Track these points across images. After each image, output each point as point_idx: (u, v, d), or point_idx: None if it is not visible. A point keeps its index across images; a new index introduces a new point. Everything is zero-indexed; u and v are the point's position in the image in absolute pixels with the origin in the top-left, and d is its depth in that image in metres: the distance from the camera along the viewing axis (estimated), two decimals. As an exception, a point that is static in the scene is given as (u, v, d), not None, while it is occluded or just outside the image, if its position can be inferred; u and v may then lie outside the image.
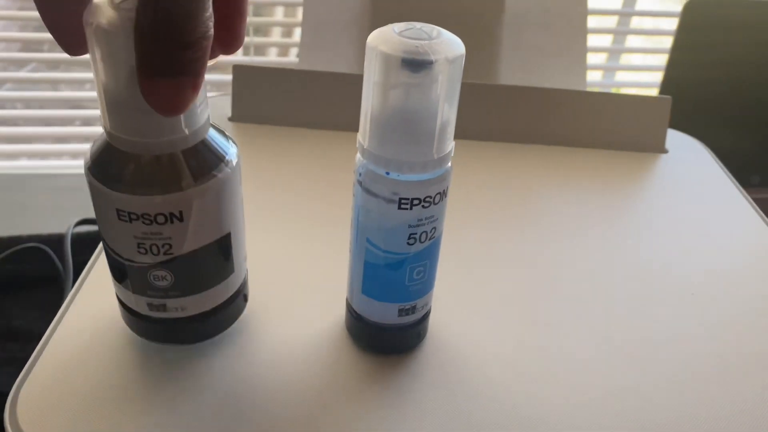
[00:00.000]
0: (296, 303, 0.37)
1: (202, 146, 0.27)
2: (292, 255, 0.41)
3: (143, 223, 0.27)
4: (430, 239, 0.30)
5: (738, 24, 0.84)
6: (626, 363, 0.35)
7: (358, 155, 0.29)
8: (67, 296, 0.36)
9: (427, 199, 0.29)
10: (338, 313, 0.36)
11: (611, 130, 0.56)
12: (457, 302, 0.38)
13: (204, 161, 0.27)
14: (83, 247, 0.62)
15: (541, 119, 0.55)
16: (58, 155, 1.06)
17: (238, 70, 0.54)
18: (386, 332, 0.33)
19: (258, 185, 0.47)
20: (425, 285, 0.32)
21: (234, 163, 0.29)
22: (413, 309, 0.32)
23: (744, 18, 0.84)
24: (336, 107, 0.54)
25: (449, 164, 0.29)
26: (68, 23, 0.25)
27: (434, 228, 0.30)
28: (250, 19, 0.97)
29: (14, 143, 1.06)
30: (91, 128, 1.05)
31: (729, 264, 0.43)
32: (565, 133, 0.55)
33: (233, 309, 0.33)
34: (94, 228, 0.66)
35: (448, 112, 0.27)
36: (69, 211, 0.68)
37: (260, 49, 1.05)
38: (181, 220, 0.27)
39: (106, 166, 0.27)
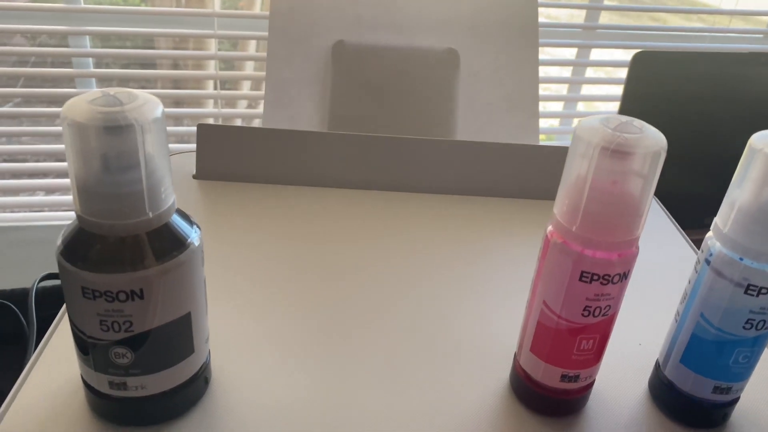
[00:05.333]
0: (261, 369, 0.38)
1: (166, 229, 0.29)
2: (254, 316, 0.42)
3: (106, 300, 0.28)
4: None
5: (685, 75, 0.88)
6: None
7: (712, 236, 0.32)
8: (30, 353, 0.37)
9: None
10: (308, 377, 0.37)
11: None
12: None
13: (166, 243, 0.29)
14: (48, 302, 0.62)
15: (496, 172, 0.58)
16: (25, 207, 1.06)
17: (202, 129, 0.56)
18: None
19: (222, 242, 0.48)
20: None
21: (195, 245, 0.30)
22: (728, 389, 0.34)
23: (691, 69, 0.88)
24: (299, 163, 0.56)
25: None
26: None
27: None
28: (219, 72, 0.99)
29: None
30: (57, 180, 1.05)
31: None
32: (519, 185, 0.58)
33: (193, 390, 0.34)
34: (59, 282, 0.66)
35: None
36: (34, 265, 0.68)
37: (231, 102, 1.07)
38: (141, 298, 0.28)
39: (75, 248, 0.28)
